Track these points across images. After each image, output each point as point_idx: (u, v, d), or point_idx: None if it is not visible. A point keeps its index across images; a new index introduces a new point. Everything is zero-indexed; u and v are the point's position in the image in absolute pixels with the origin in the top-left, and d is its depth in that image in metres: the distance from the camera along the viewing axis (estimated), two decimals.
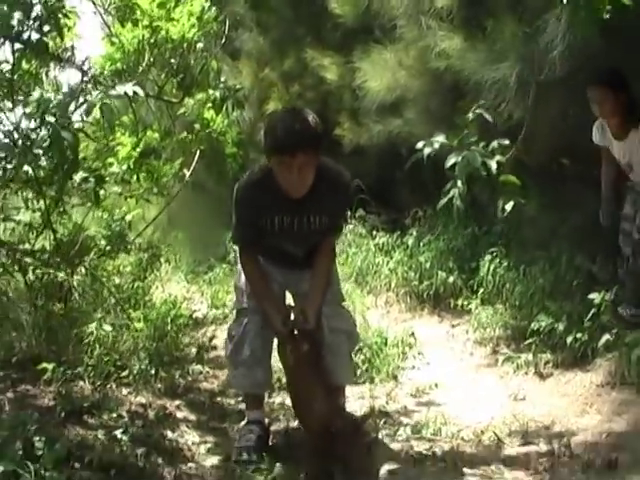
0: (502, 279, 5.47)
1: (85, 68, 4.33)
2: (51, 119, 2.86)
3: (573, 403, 4.07)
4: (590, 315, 4.41)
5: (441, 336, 5.56)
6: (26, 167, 4.11)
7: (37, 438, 2.98)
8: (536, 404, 4.12)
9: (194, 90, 4.71)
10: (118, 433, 3.38)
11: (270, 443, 3.72)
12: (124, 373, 4.17)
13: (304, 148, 3.23)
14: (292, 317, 3.53)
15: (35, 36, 3.76)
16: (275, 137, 3.30)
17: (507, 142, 2.57)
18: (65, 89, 4.28)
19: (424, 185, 6.56)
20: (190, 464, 3.48)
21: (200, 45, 4.67)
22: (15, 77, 4.34)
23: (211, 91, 4.51)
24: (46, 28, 3.55)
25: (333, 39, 7.73)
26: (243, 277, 3.73)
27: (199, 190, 8.71)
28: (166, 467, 3.34)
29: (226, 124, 4.62)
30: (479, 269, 5.72)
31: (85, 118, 3.03)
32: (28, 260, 4.89)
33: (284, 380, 4.23)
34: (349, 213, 7.60)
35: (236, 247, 3.95)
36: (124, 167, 4.32)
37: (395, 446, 3.64)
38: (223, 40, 4.74)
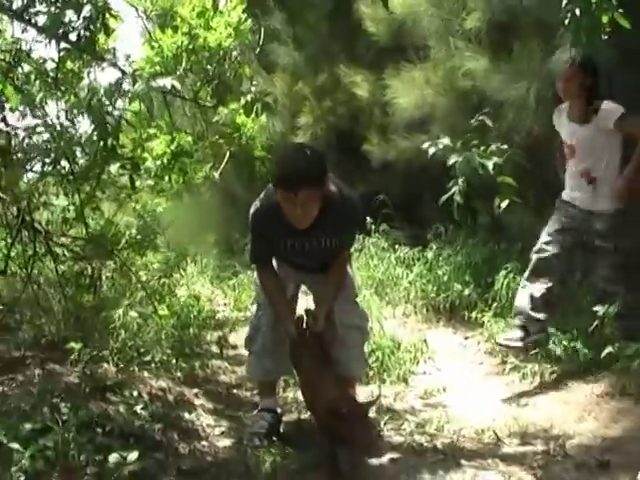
0: (515, 293, 5.62)
1: (125, 69, 4.57)
2: (97, 105, 3.08)
3: (573, 410, 4.22)
4: (594, 327, 4.57)
5: (454, 346, 5.72)
6: (63, 162, 4.37)
7: (63, 404, 3.20)
8: (537, 410, 4.28)
9: (228, 97, 4.93)
10: (138, 409, 3.59)
11: (281, 431, 3.91)
12: (147, 358, 4.36)
13: (307, 186, 3.40)
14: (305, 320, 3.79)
15: (82, 35, 4.00)
16: (280, 174, 3.49)
17: (505, 146, 2.76)
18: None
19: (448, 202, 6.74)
20: (204, 442, 3.70)
21: (235, 54, 4.89)
22: (59, 75, 4.61)
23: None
24: (92, 28, 3.77)
25: (366, 57, 7.96)
26: None
27: (228, 196, 8.97)
28: (181, 443, 3.56)
29: (256, 129, 4.85)
30: (494, 283, 5.89)
31: (127, 106, 3.25)
32: (59, 251, 5.15)
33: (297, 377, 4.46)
34: (373, 227, 7.83)
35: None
36: (158, 163, 4.56)
37: (398, 439, 3.84)
38: (257, 50, 4.96)
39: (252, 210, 3.74)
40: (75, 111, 4.46)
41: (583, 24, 2.63)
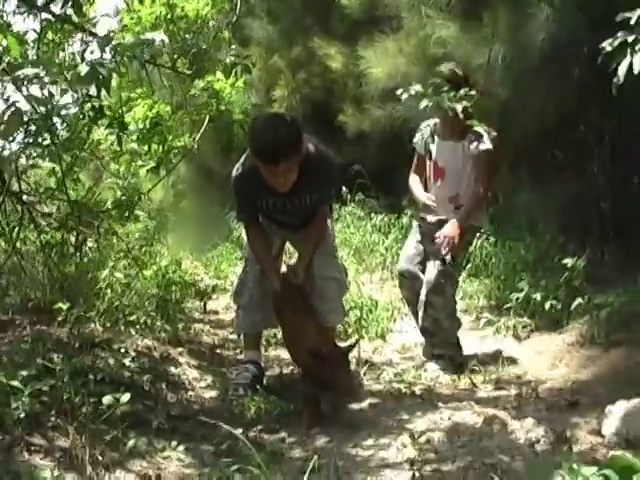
0: (489, 254, 5.81)
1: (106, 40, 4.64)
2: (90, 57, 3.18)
3: (545, 359, 4.42)
4: (563, 279, 4.74)
5: None
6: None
7: (55, 355, 3.33)
8: (511, 359, 4.45)
9: (205, 65, 5.01)
10: (126, 361, 3.71)
11: (265, 384, 4.05)
12: (132, 318, 4.47)
13: (286, 157, 3.54)
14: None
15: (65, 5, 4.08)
16: (259, 147, 3.61)
17: (473, 92, 2.91)
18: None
19: None
20: (190, 393, 3.85)
21: (213, 23, 4.98)
22: (40, 46, 4.68)
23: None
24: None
25: (339, 29, 8.11)
26: None
27: (205, 169, 9.08)
28: (169, 393, 3.70)
29: (234, 94, 4.96)
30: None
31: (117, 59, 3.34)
32: (42, 222, 5.23)
33: (279, 336, 4.61)
34: (349, 197, 7.98)
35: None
36: (140, 126, 4.66)
37: (377, 387, 4.01)
38: (234, 18, 5.05)
39: (234, 174, 3.89)
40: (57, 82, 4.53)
41: None
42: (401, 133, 6.98)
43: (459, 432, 3.15)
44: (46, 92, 4.59)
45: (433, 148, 4.48)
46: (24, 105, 4.42)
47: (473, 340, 4.87)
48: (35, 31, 4.72)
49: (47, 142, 4.61)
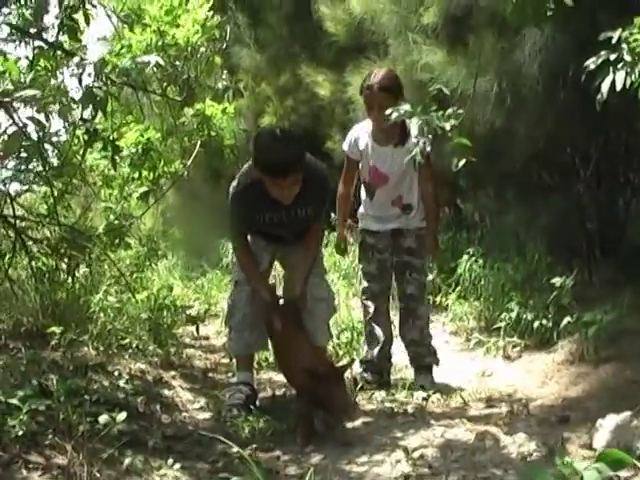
0: (478, 276, 5.86)
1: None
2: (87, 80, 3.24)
3: (535, 377, 4.47)
4: (552, 298, 4.80)
5: None
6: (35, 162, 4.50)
7: (51, 376, 3.35)
8: (501, 379, 4.50)
9: (196, 91, 5.07)
10: (121, 383, 3.74)
11: (258, 404, 4.08)
12: (124, 342, 4.50)
13: (294, 170, 3.70)
14: (280, 286, 4.00)
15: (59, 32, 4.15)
16: (268, 160, 3.73)
17: (461, 111, 2.97)
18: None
19: None
20: (184, 414, 3.88)
21: (203, 50, 5.05)
22: (32, 74, 4.74)
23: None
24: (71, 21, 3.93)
25: (327, 57, 8.16)
26: None
27: (195, 198, 9.13)
28: (163, 414, 3.73)
29: (225, 119, 5.01)
30: (457, 268, 6.12)
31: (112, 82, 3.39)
32: (34, 249, 5.25)
33: (271, 359, 4.64)
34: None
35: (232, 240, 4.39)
36: (133, 150, 4.72)
37: (370, 407, 4.04)
38: (224, 45, 5.12)
39: (232, 189, 3.98)
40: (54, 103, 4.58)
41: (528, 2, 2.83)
42: None
43: (452, 447, 3.19)
44: (42, 116, 4.64)
45: (369, 153, 4.42)
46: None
47: (463, 361, 4.91)
48: (27, 58, 4.79)
49: (39, 169, 4.69)
